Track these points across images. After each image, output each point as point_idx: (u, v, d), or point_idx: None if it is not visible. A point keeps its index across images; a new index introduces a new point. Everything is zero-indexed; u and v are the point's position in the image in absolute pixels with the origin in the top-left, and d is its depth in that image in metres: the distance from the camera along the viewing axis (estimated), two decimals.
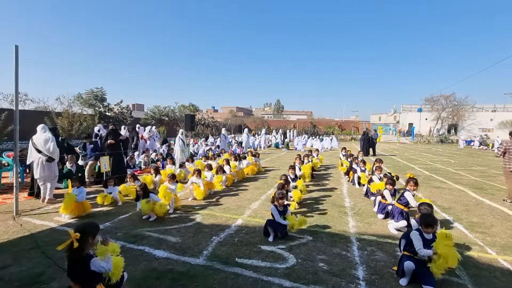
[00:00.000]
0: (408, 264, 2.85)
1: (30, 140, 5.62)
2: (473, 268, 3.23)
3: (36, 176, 5.60)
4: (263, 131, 25.16)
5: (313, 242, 3.91)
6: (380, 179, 6.14)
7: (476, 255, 3.57)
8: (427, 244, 2.91)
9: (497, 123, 35.75)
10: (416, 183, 4.55)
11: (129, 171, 8.52)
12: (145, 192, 4.82)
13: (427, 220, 3.00)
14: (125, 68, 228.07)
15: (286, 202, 4.48)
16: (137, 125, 13.49)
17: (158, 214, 4.73)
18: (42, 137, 5.57)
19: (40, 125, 5.75)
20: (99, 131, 12.28)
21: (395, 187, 5.13)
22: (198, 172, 6.33)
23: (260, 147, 20.73)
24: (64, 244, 2.23)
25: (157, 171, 7.39)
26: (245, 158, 9.66)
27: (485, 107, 40.71)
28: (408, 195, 4.44)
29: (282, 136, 25.49)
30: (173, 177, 5.71)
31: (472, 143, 26.87)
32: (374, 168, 6.71)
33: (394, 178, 5.26)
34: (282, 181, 5.21)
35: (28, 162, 5.72)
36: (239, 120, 47.11)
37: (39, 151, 5.54)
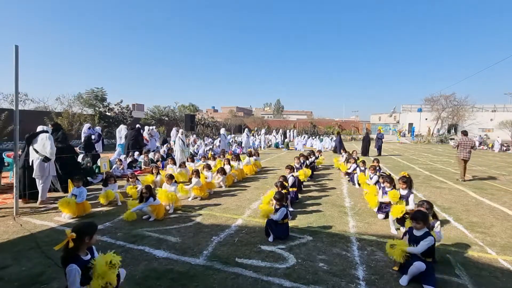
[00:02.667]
0: (420, 265, 2.81)
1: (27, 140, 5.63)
2: (473, 268, 3.23)
3: (34, 175, 5.56)
4: (263, 131, 25.16)
5: (313, 242, 3.91)
6: (371, 177, 6.34)
7: (476, 255, 3.57)
8: (415, 240, 2.96)
9: (497, 123, 35.72)
10: (405, 182, 4.49)
11: (129, 171, 8.53)
12: (150, 193, 4.81)
13: (414, 214, 3.09)
14: (125, 68, 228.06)
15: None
16: (137, 125, 13.52)
17: (158, 217, 4.73)
18: (39, 137, 5.57)
19: (41, 127, 5.79)
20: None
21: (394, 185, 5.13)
22: (197, 172, 6.32)
23: (260, 147, 20.73)
24: (61, 244, 2.22)
25: (157, 171, 7.39)
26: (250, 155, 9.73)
27: (485, 107, 40.68)
28: (411, 199, 4.40)
29: (282, 136, 25.48)
30: (171, 177, 5.70)
31: None
32: (369, 167, 6.81)
33: (392, 177, 5.26)
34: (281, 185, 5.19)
35: (30, 163, 5.65)
36: (239, 120, 47.11)
37: (36, 151, 5.55)
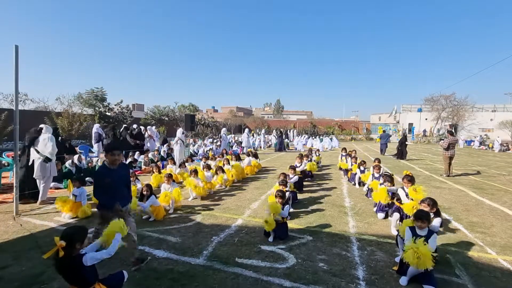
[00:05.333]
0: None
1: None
2: (473, 268, 3.23)
3: (35, 175, 5.59)
4: (263, 131, 25.17)
5: (313, 242, 3.91)
6: (377, 178, 6.21)
7: (476, 255, 3.57)
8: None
9: (497, 123, 35.68)
10: (409, 180, 4.51)
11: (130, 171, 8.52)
12: (151, 192, 4.82)
13: (417, 213, 3.09)
14: (125, 68, 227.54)
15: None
16: (134, 125, 13.58)
17: (158, 217, 4.73)
18: (41, 137, 5.59)
19: (44, 126, 5.81)
20: (101, 133, 12.41)
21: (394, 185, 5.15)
22: (195, 173, 6.32)
23: (260, 147, 20.73)
24: (50, 253, 2.13)
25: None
26: (248, 155, 9.77)
27: (485, 107, 40.65)
28: (400, 192, 4.48)
29: (284, 136, 25.49)
30: (170, 177, 5.70)
31: (472, 143, 26.88)
32: (372, 167, 6.74)
33: (392, 176, 5.28)
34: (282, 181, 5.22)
35: (30, 163, 5.64)
36: (239, 120, 47.08)
37: (37, 151, 5.56)
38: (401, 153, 14.70)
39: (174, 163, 8.60)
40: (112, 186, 3.01)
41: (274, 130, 29.20)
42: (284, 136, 25.55)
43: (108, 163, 3.10)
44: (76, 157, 8.48)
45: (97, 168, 8.29)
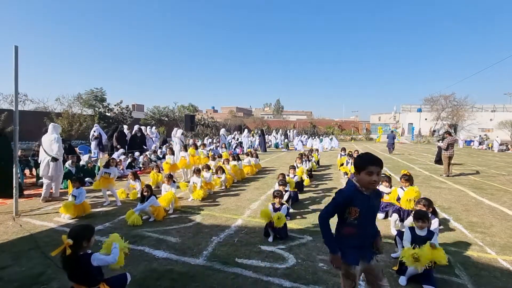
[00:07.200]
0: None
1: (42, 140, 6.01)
2: (473, 268, 3.23)
3: (40, 174, 5.91)
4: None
5: (313, 242, 3.90)
6: None
7: (476, 255, 3.57)
8: (419, 241, 2.92)
9: (496, 123, 35.68)
10: (407, 180, 4.53)
11: (130, 171, 8.53)
12: (151, 192, 4.83)
13: (417, 212, 3.11)
14: (125, 68, 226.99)
15: (283, 200, 4.50)
16: (136, 127, 13.59)
17: (158, 218, 4.74)
18: (48, 137, 5.87)
19: (51, 125, 6.08)
20: (95, 131, 12.45)
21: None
22: (198, 172, 6.33)
23: (260, 147, 20.71)
24: (58, 250, 2.17)
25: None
26: (248, 155, 9.83)
27: (484, 107, 40.66)
28: (399, 191, 4.53)
29: (283, 136, 25.51)
30: (170, 177, 5.70)
31: (471, 143, 26.91)
32: None
33: (390, 176, 5.30)
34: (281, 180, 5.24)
35: (40, 161, 6.01)
36: (239, 120, 47.07)
37: (45, 151, 5.87)
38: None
39: (173, 153, 8.51)
40: (361, 222, 1.92)
41: (274, 130, 29.21)
42: (284, 136, 25.62)
43: (361, 184, 1.92)
44: (86, 157, 8.63)
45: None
